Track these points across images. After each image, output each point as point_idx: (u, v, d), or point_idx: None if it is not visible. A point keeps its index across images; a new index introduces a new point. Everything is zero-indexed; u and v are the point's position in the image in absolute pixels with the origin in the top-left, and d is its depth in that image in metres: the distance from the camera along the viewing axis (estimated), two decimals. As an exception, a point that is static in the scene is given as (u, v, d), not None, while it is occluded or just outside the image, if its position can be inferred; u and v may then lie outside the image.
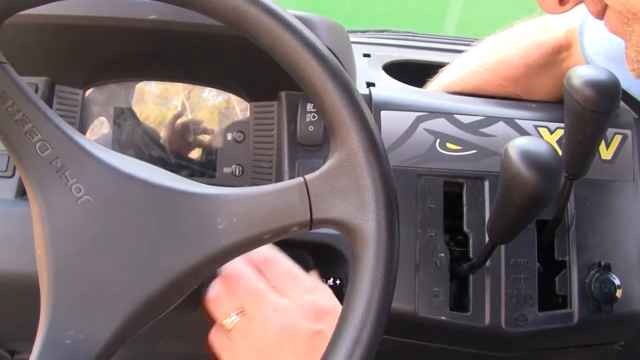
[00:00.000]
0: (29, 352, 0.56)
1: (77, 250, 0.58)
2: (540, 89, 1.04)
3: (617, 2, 0.61)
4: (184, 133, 0.95)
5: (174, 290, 0.59)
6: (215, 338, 0.73)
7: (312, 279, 0.75)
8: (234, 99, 0.96)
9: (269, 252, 0.76)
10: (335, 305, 0.72)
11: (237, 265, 0.74)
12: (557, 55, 1.02)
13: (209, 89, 0.96)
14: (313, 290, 0.73)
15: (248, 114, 0.95)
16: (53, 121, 0.60)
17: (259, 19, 0.57)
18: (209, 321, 0.74)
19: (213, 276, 0.73)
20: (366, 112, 0.58)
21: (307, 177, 0.59)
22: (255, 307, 0.71)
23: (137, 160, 0.63)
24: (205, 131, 0.95)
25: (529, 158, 0.65)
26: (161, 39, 0.88)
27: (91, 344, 0.56)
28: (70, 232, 0.58)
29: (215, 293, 0.73)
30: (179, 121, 0.95)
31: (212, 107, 0.96)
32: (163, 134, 0.95)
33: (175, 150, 0.95)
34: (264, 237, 0.59)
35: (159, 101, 0.96)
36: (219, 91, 0.96)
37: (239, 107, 0.95)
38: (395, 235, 0.56)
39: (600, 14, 0.67)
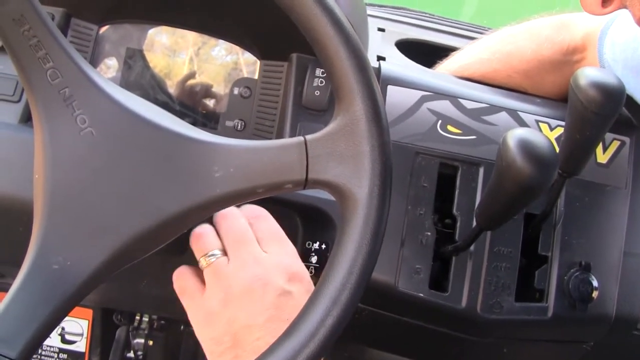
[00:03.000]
0: (13, 277, 0.57)
1: (73, 180, 0.59)
2: (548, 85, 1.04)
3: None
4: (192, 94, 0.96)
5: (163, 231, 0.60)
6: (183, 275, 0.75)
7: (293, 247, 0.76)
8: (243, 60, 0.96)
9: (261, 209, 0.78)
10: (306, 276, 0.73)
11: (231, 210, 0.76)
12: (570, 56, 1.03)
13: (218, 47, 0.96)
14: (292, 255, 0.75)
15: (255, 76, 0.95)
16: (67, 51, 0.60)
17: None
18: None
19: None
20: (374, 82, 0.59)
21: (308, 137, 0.59)
22: (237, 252, 0.72)
23: (145, 101, 0.64)
24: (213, 95, 0.96)
25: (526, 148, 0.67)
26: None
27: (77, 272, 0.57)
28: (69, 162, 0.59)
29: (203, 229, 0.75)
30: (189, 82, 0.96)
31: (220, 66, 0.96)
32: (171, 87, 0.95)
33: (180, 99, 0.95)
34: (258, 191, 0.60)
35: (167, 52, 0.96)
36: (229, 51, 0.96)
37: (247, 70, 0.96)
38: (386, 205, 0.58)
39: None
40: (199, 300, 0.72)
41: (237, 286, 0.70)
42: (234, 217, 0.75)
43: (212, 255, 0.72)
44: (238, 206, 0.77)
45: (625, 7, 0.67)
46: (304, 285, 0.72)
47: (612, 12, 0.69)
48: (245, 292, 0.70)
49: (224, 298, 0.70)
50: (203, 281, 0.73)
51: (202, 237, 0.74)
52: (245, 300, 0.69)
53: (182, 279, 0.75)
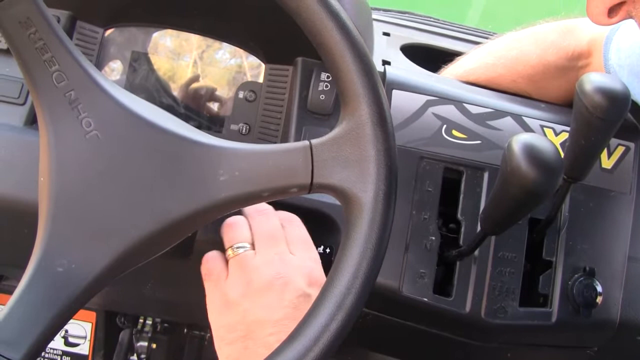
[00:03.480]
0: (17, 278, 0.57)
1: (79, 183, 0.59)
2: (553, 91, 1.04)
3: None
4: (196, 97, 0.96)
5: (168, 234, 0.60)
6: (212, 259, 0.76)
7: (317, 254, 0.77)
8: (247, 63, 0.96)
9: (294, 215, 0.80)
10: None
11: (265, 206, 0.78)
12: (575, 61, 1.02)
13: (222, 50, 0.97)
14: (316, 261, 0.76)
15: (259, 80, 0.96)
16: (73, 54, 0.60)
17: None
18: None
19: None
20: (380, 86, 0.59)
21: (313, 141, 0.60)
22: (265, 248, 0.74)
23: (150, 104, 0.64)
24: (217, 99, 0.96)
25: (531, 153, 0.66)
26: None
27: (82, 275, 0.57)
28: (75, 164, 0.59)
29: (236, 220, 0.76)
30: (193, 85, 0.96)
31: (224, 70, 0.96)
32: (174, 89, 0.96)
33: (185, 103, 0.95)
34: (263, 195, 0.60)
35: (171, 55, 0.96)
36: (232, 54, 0.96)
37: (251, 73, 0.96)
38: (391, 209, 0.58)
39: None
40: (221, 286, 0.73)
41: (259, 280, 0.71)
42: (268, 215, 0.77)
43: (241, 247, 0.74)
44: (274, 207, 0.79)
45: (631, 17, 0.67)
46: None
47: (618, 22, 0.68)
48: (266, 287, 0.71)
49: (244, 289, 0.71)
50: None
51: (234, 228, 0.75)
52: (265, 295, 0.70)
53: (210, 262, 0.76)
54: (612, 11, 0.67)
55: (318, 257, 0.77)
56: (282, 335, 0.62)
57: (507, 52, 1.06)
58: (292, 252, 0.75)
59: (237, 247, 0.74)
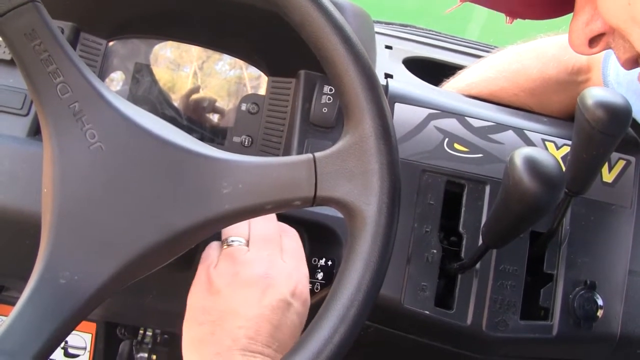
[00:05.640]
0: (18, 290, 0.57)
1: (83, 195, 0.59)
2: (554, 105, 1.04)
3: None
4: (198, 108, 0.96)
5: (171, 246, 0.60)
6: (212, 247, 0.78)
7: (307, 271, 0.78)
8: (247, 75, 0.97)
9: (292, 229, 0.81)
10: (307, 304, 0.76)
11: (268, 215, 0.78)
12: (575, 76, 1.03)
13: (222, 62, 0.97)
14: (304, 277, 0.77)
15: (259, 91, 0.96)
16: (77, 66, 0.60)
17: None
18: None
19: (209, 238, 0.75)
20: (383, 100, 0.59)
21: (317, 154, 0.60)
22: (258, 247, 0.75)
23: (154, 116, 0.64)
24: (218, 110, 0.96)
25: (534, 168, 0.67)
26: (192, 0, 0.89)
27: (84, 287, 0.57)
28: (78, 176, 0.59)
29: None
30: (193, 96, 0.97)
31: (224, 81, 0.97)
32: (175, 100, 0.96)
33: (187, 114, 0.96)
34: (266, 207, 0.60)
35: (171, 66, 0.97)
36: (232, 65, 0.97)
37: (251, 84, 0.96)
38: (394, 222, 0.58)
39: (629, 63, 0.68)
40: (209, 272, 0.74)
41: (245, 274, 0.72)
42: (269, 220, 0.78)
43: (235, 240, 0.75)
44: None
45: (610, 47, 0.68)
46: (303, 309, 0.74)
47: (599, 51, 0.70)
48: (250, 283, 0.72)
49: (229, 279, 0.72)
50: None
51: (233, 225, 0.75)
52: (246, 289, 0.71)
53: (210, 249, 0.77)
54: (593, 42, 0.68)
55: (307, 273, 0.77)
56: (251, 333, 0.66)
57: (508, 66, 1.06)
58: (283, 260, 0.75)
59: (232, 241, 0.75)
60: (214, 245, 0.78)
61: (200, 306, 0.73)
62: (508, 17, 0.74)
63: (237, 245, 0.75)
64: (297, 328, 0.72)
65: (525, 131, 0.94)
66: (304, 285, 0.75)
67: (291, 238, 0.79)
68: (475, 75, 1.09)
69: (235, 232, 0.76)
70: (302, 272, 0.77)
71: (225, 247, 0.75)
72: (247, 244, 0.76)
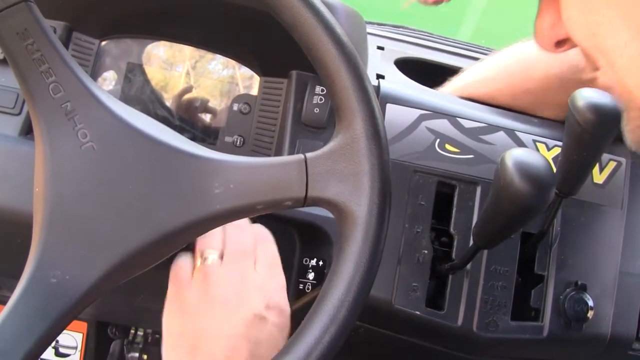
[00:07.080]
0: (10, 288, 0.57)
1: (74, 194, 0.59)
2: (550, 106, 1.02)
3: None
4: (190, 108, 0.96)
5: (162, 246, 0.60)
6: (181, 264, 0.75)
7: (284, 280, 0.77)
8: (239, 75, 0.97)
9: (269, 234, 0.79)
10: (285, 313, 0.74)
11: (242, 222, 0.77)
12: (580, 74, 1.02)
13: (215, 61, 0.97)
14: (279, 287, 0.76)
15: (251, 91, 0.96)
16: (69, 65, 0.60)
17: None
18: None
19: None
20: (374, 101, 0.60)
21: (308, 155, 0.60)
22: (231, 261, 0.74)
23: (146, 116, 0.64)
24: (210, 110, 0.96)
25: (524, 169, 0.67)
26: (185, 0, 0.89)
27: (75, 286, 0.57)
28: (70, 176, 0.59)
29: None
30: (186, 96, 0.97)
31: (216, 80, 0.97)
32: (167, 100, 0.96)
33: (179, 114, 0.96)
34: (258, 207, 0.60)
35: (164, 65, 0.97)
36: (225, 65, 0.97)
37: (243, 84, 0.96)
38: (385, 223, 0.58)
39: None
40: (182, 292, 0.73)
41: (216, 294, 0.71)
42: (243, 230, 0.77)
43: (209, 255, 0.74)
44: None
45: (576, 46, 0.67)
46: (280, 319, 0.73)
47: (568, 50, 0.68)
48: (221, 302, 0.71)
49: (201, 298, 0.71)
50: None
51: (207, 235, 0.75)
52: (219, 308, 0.71)
53: (179, 266, 0.75)
54: (560, 43, 0.66)
55: (284, 282, 0.76)
56: (228, 352, 0.65)
57: (510, 66, 1.05)
58: (256, 270, 0.74)
59: (206, 256, 0.74)
60: (183, 262, 0.76)
61: (176, 330, 0.72)
62: None
63: (211, 261, 0.74)
64: (278, 340, 0.72)
65: (517, 132, 0.95)
66: (280, 296, 0.75)
67: (266, 244, 0.78)
68: (474, 75, 1.08)
69: (209, 244, 0.75)
70: (276, 281, 0.76)
71: (198, 263, 0.74)
72: (222, 256, 0.74)
